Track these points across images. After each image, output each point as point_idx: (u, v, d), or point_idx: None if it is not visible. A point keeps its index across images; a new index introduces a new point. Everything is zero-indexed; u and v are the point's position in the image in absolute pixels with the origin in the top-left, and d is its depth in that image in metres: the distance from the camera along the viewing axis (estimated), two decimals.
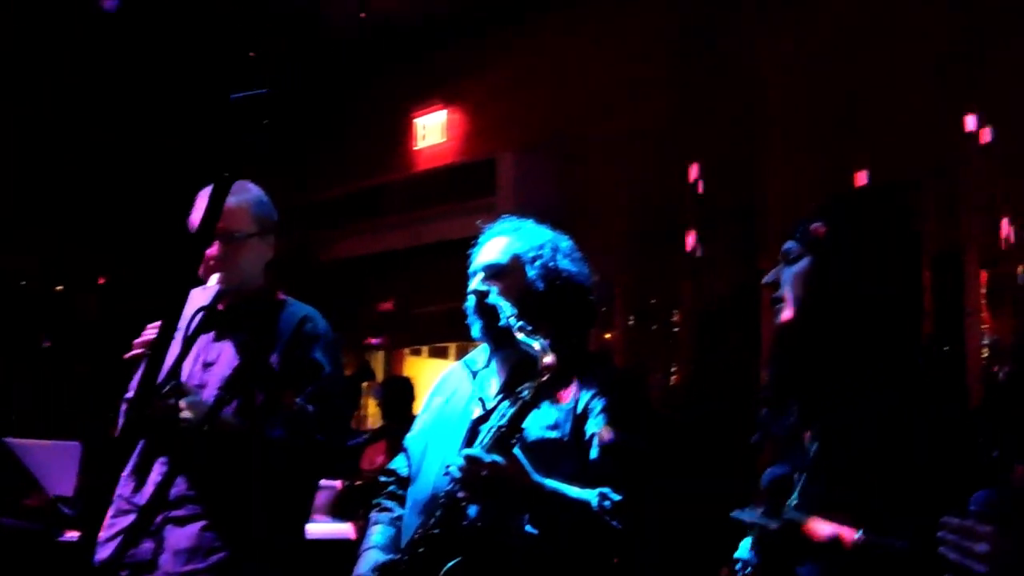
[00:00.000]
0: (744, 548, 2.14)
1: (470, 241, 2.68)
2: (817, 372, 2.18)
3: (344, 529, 3.56)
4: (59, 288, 7.68)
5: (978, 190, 4.34)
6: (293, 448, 2.61)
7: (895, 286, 2.19)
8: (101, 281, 7.72)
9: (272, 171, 7.69)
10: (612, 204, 5.67)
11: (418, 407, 6.50)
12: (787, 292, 2.20)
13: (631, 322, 5.52)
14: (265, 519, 2.57)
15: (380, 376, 8.08)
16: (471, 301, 2.54)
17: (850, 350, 2.14)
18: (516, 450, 2.32)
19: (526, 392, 2.31)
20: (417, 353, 8.55)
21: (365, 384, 7.10)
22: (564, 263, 2.55)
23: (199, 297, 2.72)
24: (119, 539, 2.58)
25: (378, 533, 2.55)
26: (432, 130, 6.94)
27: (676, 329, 5.39)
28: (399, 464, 2.67)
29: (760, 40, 5.09)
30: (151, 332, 2.60)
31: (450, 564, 2.28)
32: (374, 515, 2.62)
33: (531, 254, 2.53)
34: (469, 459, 2.28)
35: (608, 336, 5.52)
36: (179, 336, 2.79)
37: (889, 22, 4.59)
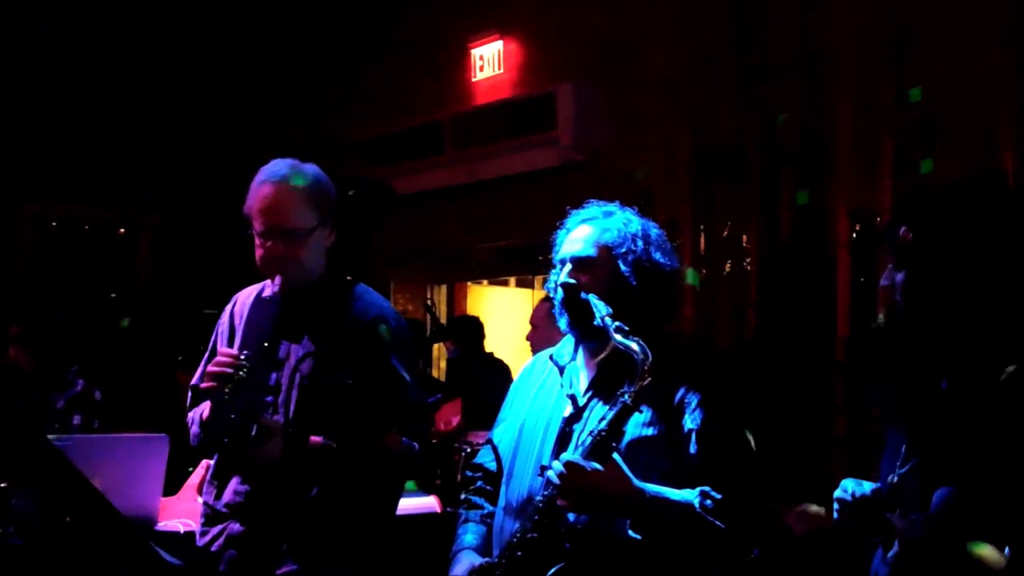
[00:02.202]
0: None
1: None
2: (935, 371, 2.14)
3: (428, 503, 3.55)
4: (121, 232, 7.68)
5: None
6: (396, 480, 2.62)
7: (995, 276, 2.12)
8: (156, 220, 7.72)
9: (328, 110, 7.59)
10: (674, 135, 5.49)
11: (488, 344, 6.52)
12: (899, 298, 2.18)
13: (702, 256, 5.35)
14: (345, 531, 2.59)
15: (443, 309, 8.09)
16: (559, 294, 2.46)
17: (964, 349, 2.11)
18: (615, 455, 2.27)
19: (627, 396, 2.25)
20: (478, 283, 8.54)
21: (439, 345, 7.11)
22: (657, 256, 2.46)
23: (248, 297, 2.69)
24: (218, 544, 2.61)
25: (470, 532, 2.52)
26: (489, 61, 6.74)
27: (747, 266, 5.23)
28: (486, 458, 2.63)
29: None
30: (225, 362, 2.53)
31: (553, 570, 2.25)
32: (463, 512, 2.59)
33: (623, 248, 2.44)
34: (569, 466, 2.23)
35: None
36: (221, 330, 2.77)
37: None
